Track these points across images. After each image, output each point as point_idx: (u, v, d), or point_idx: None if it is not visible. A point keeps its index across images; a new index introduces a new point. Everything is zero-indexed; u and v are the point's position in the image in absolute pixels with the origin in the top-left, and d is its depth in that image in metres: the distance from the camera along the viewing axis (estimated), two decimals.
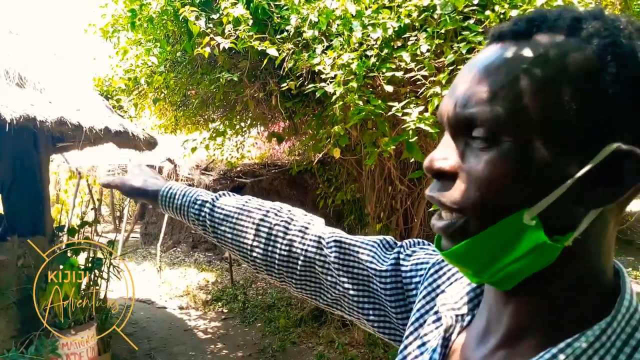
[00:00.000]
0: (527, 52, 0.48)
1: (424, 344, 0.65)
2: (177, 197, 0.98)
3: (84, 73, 5.41)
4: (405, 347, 0.68)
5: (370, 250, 0.82)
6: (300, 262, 0.86)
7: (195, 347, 5.10)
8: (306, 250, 0.86)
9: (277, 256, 0.88)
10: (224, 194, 0.98)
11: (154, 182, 1.03)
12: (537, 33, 0.49)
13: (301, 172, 7.42)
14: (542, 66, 0.47)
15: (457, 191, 0.51)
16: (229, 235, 0.92)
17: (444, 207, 0.53)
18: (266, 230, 0.90)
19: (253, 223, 0.91)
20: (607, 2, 3.17)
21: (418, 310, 0.71)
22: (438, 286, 0.70)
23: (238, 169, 8.28)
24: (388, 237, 0.85)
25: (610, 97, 0.44)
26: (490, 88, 0.48)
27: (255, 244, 0.90)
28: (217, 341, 5.29)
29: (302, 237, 0.88)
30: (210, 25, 3.58)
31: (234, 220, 0.92)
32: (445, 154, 0.53)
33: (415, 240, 0.82)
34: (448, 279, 0.71)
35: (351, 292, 0.81)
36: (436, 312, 0.67)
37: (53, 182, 11.46)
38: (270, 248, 0.89)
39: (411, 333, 0.69)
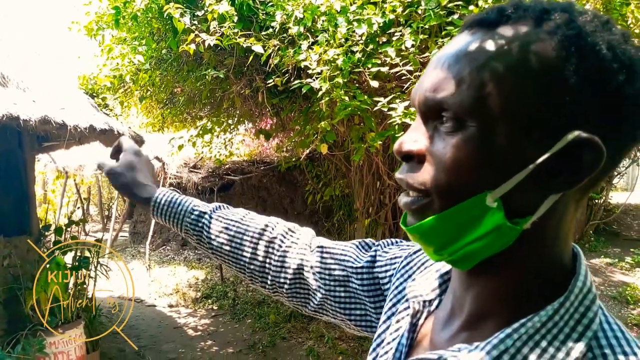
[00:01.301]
0: (494, 41, 0.49)
1: (396, 330, 0.67)
2: (172, 205, 0.95)
3: (68, 71, 5.35)
4: (379, 336, 0.70)
5: (349, 252, 0.85)
6: (290, 272, 0.89)
7: (185, 345, 5.09)
8: (296, 259, 0.89)
9: (272, 267, 0.90)
10: (220, 207, 0.97)
11: (147, 184, 0.98)
12: (506, 23, 0.50)
13: (290, 169, 7.42)
14: (507, 55, 0.48)
15: (424, 173, 0.53)
16: (227, 248, 0.92)
17: (411, 189, 0.54)
18: (264, 244, 0.92)
19: (252, 237, 0.92)
20: None
21: (390, 300, 0.72)
22: (409, 275, 0.73)
23: (227, 166, 8.26)
24: (367, 239, 0.88)
25: (571, 88, 0.46)
26: (457, 75, 0.50)
27: (252, 257, 0.91)
28: (207, 338, 5.29)
29: (294, 248, 0.91)
30: (195, 22, 3.56)
31: (232, 233, 0.93)
32: (414, 137, 0.54)
33: (393, 240, 0.85)
34: (418, 267, 0.73)
35: (333, 293, 0.84)
36: (407, 300, 0.68)
37: (40, 182, 11.35)
38: (267, 260, 0.91)
39: (384, 322, 0.71)
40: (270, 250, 0.91)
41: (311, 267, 0.87)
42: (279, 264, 0.90)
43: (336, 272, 0.84)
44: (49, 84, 4.24)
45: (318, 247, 0.88)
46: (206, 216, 0.94)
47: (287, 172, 7.92)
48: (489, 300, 0.55)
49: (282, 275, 0.89)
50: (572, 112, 0.46)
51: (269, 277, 0.91)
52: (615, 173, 8.59)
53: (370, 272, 0.80)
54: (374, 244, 0.86)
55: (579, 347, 0.48)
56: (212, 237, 0.93)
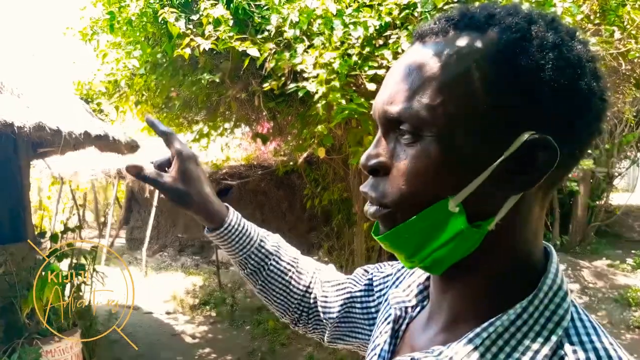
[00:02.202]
0: (442, 51, 0.51)
1: (380, 337, 0.69)
2: (241, 232, 0.87)
3: (63, 77, 5.33)
4: (372, 343, 0.73)
5: (349, 280, 0.89)
6: (333, 311, 0.89)
7: (183, 352, 5.05)
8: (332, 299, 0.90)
9: (313, 313, 0.92)
10: (279, 248, 0.93)
11: (213, 200, 0.84)
12: (454, 31, 0.52)
13: (288, 173, 7.40)
14: (455, 63, 0.49)
15: (387, 186, 0.54)
16: (275, 294, 0.91)
17: (374, 202, 0.56)
18: (311, 294, 0.92)
19: (303, 286, 0.92)
20: None
21: (381, 312, 0.76)
22: (397, 287, 0.75)
23: (224, 171, 8.23)
24: (367, 266, 0.90)
25: (521, 90, 0.47)
26: (410, 86, 0.51)
27: (299, 304, 0.92)
28: (205, 345, 5.25)
29: (329, 291, 0.91)
30: (190, 26, 3.54)
31: (284, 282, 0.91)
32: (377, 151, 0.56)
33: (389, 262, 0.86)
34: (404, 277, 0.76)
35: (338, 323, 0.87)
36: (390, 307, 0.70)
37: (36, 189, 11.30)
38: (313, 308, 0.92)
39: (375, 332, 0.74)
40: (313, 301, 0.92)
41: (319, 301, 0.90)
42: (321, 308, 0.90)
43: (339, 302, 0.87)
44: (44, 89, 4.21)
45: (323, 281, 0.92)
46: (273, 258, 0.90)
47: (285, 176, 7.90)
48: (464, 302, 0.56)
49: (308, 316, 0.93)
50: (524, 113, 0.47)
51: (300, 317, 0.93)
52: (616, 174, 8.58)
53: (369, 295, 0.83)
54: (371, 268, 0.88)
55: (549, 344, 0.48)
56: (267, 281, 0.91)
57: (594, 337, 0.49)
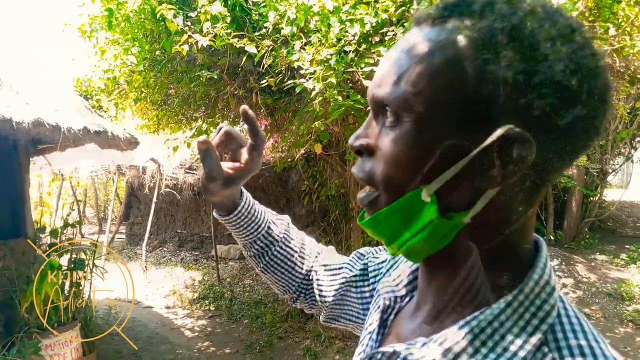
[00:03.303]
0: (433, 37, 0.50)
1: (370, 326, 0.69)
2: (255, 221, 0.88)
3: (62, 73, 5.35)
4: (364, 330, 0.72)
5: (345, 264, 0.89)
6: (329, 295, 0.90)
7: (182, 346, 5.09)
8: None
9: (310, 294, 0.94)
10: (287, 234, 0.93)
11: (237, 191, 0.85)
12: (450, 17, 0.50)
13: (286, 169, 7.42)
14: (440, 50, 0.48)
15: (371, 167, 0.54)
16: (279, 274, 0.93)
17: (362, 181, 0.56)
18: (310, 278, 0.94)
19: (306, 270, 0.93)
20: None
21: (374, 300, 0.75)
22: (390, 274, 0.74)
23: None
24: (362, 249, 0.89)
25: (503, 82, 0.45)
26: (397, 70, 0.51)
27: (299, 285, 0.94)
28: (204, 339, 5.29)
29: (325, 276, 0.92)
30: (188, 23, 3.56)
31: (287, 266, 0.92)
32: (365, 133, 0.56)
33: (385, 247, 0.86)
34: (398, 264, 0.75)
35: (335, 305, 0.88)
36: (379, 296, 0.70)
37: (36, 185, 11.32)
38: (310, 291, 0.94)
39: (367, 319, 0.73)
40: (308, 280, 0.94)
41: (315, 285, 0.91)
42: (311, 290, 0.93)
43: (334, 286, 0.87)
44: (43, 86, 4.23)
45: (321, 265, 0.92)
46: (276, 247, 0.91)
47: (283, 173, 7.92)
48: (447, 294, 0.55)
49: (305, 297, 0.94)
50: (505, 106, 0.46)
51: (298, 297, 0.95)
52: (610, 170, 8.62)
53: (364, 280, 0.83)
54: (367, 252, 0.88)
55: (532, 340, 0.47)
56: (270, 264, 0.92)
57: (580, 335, 0.48)
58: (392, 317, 0.66)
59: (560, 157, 0.48)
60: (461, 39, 0.47)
